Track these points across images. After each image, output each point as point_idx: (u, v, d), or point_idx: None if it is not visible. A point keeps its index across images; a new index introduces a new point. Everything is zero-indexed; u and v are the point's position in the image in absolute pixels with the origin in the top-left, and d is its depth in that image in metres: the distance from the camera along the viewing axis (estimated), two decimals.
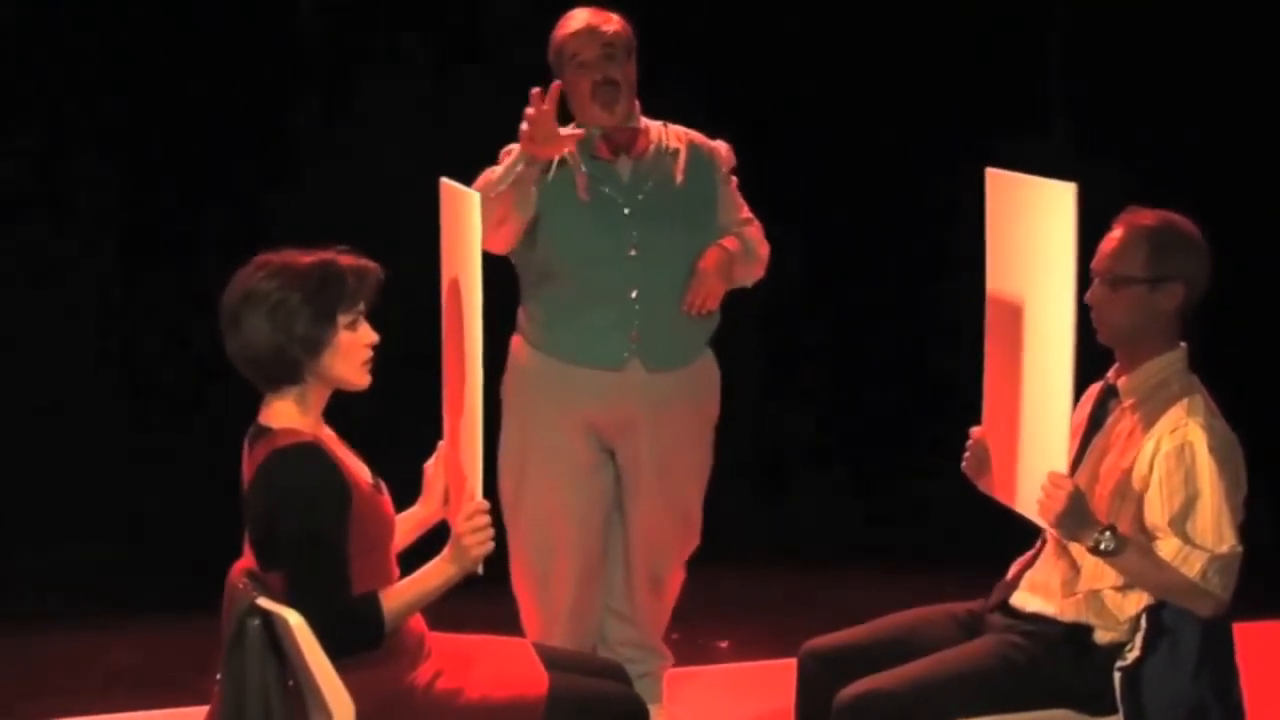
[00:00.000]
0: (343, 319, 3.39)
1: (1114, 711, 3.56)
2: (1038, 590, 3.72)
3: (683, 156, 4.48)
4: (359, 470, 3.46)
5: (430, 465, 3.70)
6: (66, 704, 5.05)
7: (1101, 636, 3.61)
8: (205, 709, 3.46)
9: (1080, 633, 3.62)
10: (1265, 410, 6.30)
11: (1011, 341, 3.61)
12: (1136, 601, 3.58)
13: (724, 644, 5.11)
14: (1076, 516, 3.44)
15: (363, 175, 6.29)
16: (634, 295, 4.38)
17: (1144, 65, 6.71)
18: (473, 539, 3.36)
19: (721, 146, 4.56)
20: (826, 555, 6.31)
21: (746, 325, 6.78)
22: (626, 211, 4.40)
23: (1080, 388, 3.78)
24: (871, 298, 6.95)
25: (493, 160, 4.42)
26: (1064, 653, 3.61)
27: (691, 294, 4.39)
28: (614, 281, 4.37)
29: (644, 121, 4.49)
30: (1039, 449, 3.52)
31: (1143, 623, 3.55)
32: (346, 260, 3.41)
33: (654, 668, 4.70)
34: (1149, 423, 3.59)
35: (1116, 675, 3.56)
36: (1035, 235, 3.50)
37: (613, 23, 4.41)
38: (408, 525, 3.65)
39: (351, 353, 3.41)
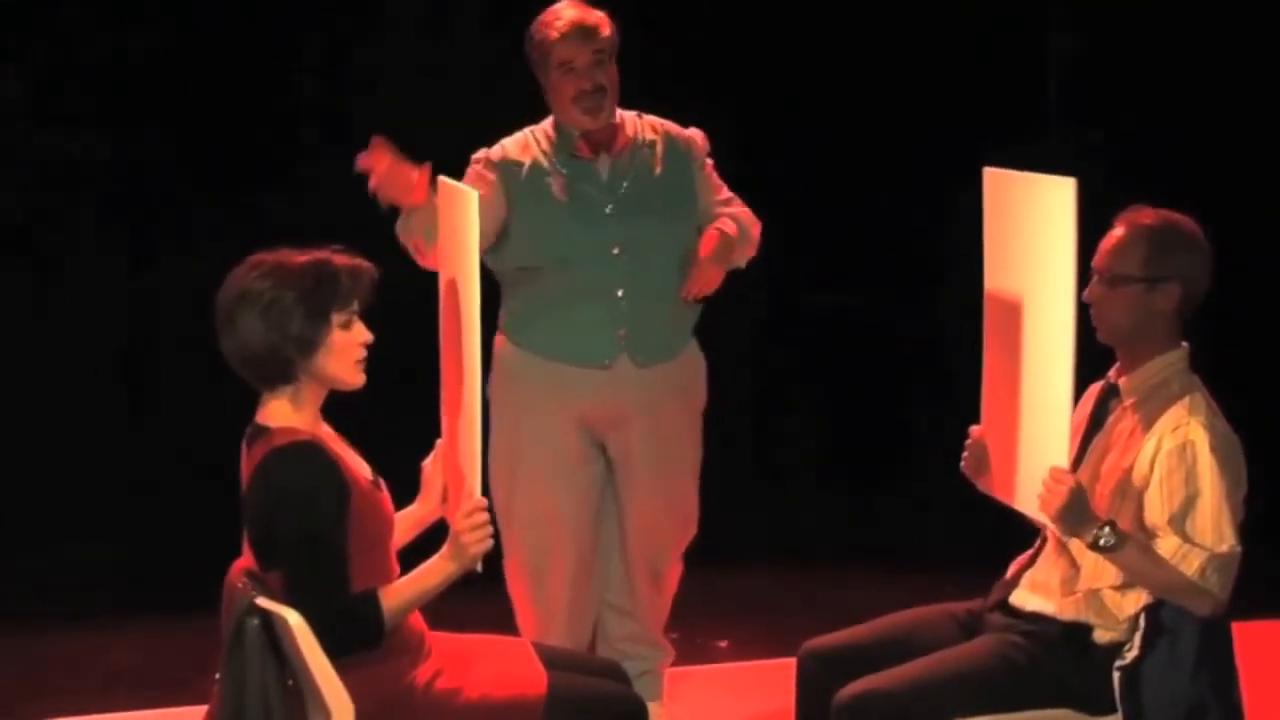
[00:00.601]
0: (336, 318, 3.39)
1: (1113, 711, 3.55)
2: (1037, 589, 3.72)
3: (659, 148, 4.47)
4: (358, 468, 3.46)
5: (428, 463, 3.70)
6: (66, 704, 5.05)
7: (1101, 636, 3.61)
8: (205, 709, 3.46)
9: (1079, 632, 3.62)
10: (1265, 410, 6.31)
11: (1011, 339, 3.60)
12: (1135, 601, 3.57)
13: (723, 644, 5.10)
14: (1077, 511, 3.44)
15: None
16: (620, 294, 4.37)
17: (1144, 65, 6.71)
18: (471, 536, 3.37)
19: (696, 134, 4.55)
20: (826, 555, 6.31)
21: (746, 325, 6.82)
22: (608, 210, 4.39)
23: (1081, 387, 3.79)
24: (871, 298, 6.95)
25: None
26: (1063, 652, 3.61)
27: (691, 282, 4.38)
28: (600, 281, 4.36)
29: (619, 115, 4.46)
30: (1039, 446, 3.51)
31: (1141, 622, 3.55)
32: (341, 259, 3.41)
33: (655, 664, 4.69)
34: (1150, 422, 3.59)
35: (1115, 675, 3.55)
36: (1035, 232, 3.49)
37: (602, 25, 4.36)
38: (406, 523, 3.65)
39: (345, 352, 3.41)
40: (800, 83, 6.72)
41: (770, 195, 5.83)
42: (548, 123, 4.47)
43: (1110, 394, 3.71)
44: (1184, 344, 3.66)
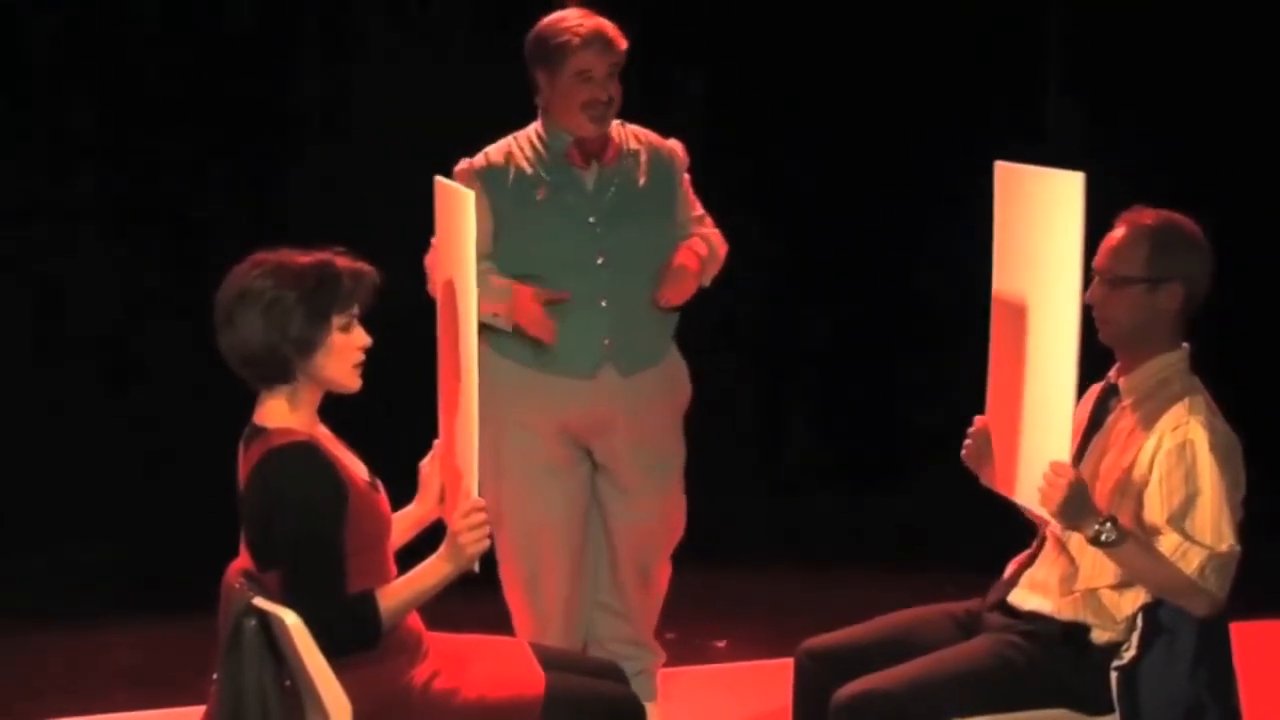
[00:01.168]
0: (336, 320, 3.39)
1: (1111, 711, 3.56)
2: (1036, 588, 3.72)
3: (643, 158, 4.47)
4: (355, 468, 3.46)
5: (426, 464, 3.70)
6: (66, 704, 5.05)
7: (1098, 636, 3.61)
8: (203, 709, 3.46)
9: (1077, 632, 3.62)
10: (1265, 411, 6.31)
11: (1016, 332, 3.60)
12: (1133, 601, 3.58)
13: (721, 644, 5.10)
14: (1077, 505, 3.43)
15: (359, 169, 6.29)
16: (604, 304, 4.38)
17: (1142, 66, 6.71)
18: (469, 537, 3.37)
19: (677, 146, 4.56)
20: (826, 555, 6.31)
21: (746, 326, 6.82)
22: (592, 220, 4.39)
23: (1081, 388, 3.79)
24: (870, 298, 6.95)
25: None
26: (1061, 652, 3.61)
27: (667, 289, 4.37)
28: (584, 291, 4.36)
29: None
30: (1041, 440, 3.51)
31: (1139, 622, 3.55)
32: (343, 262, 3.41)
33: (647, 665, 4.69)
34: (1150, 421, 3.59)
35: (1113, 675, 3.55)
36: (1043, 225, 3.49)
37: (619, 37, 4.37)
38: (404, 524, 3.65)
39: (344, 354, 3.41)
40: (799, 83, 6.72)
41: (771, 196, 5.87)
42: (534, 128, 4.46)
43: (1110, 394, 3.71)
44: (1185, 345, 3.67)
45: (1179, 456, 3.53)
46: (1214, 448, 3.52)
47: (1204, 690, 3.53)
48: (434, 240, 4.36)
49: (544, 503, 4.46)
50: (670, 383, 4.56)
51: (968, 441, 3.80)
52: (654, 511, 4.56)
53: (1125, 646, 3.57)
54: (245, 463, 3.40)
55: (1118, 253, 3.62)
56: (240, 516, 3.40)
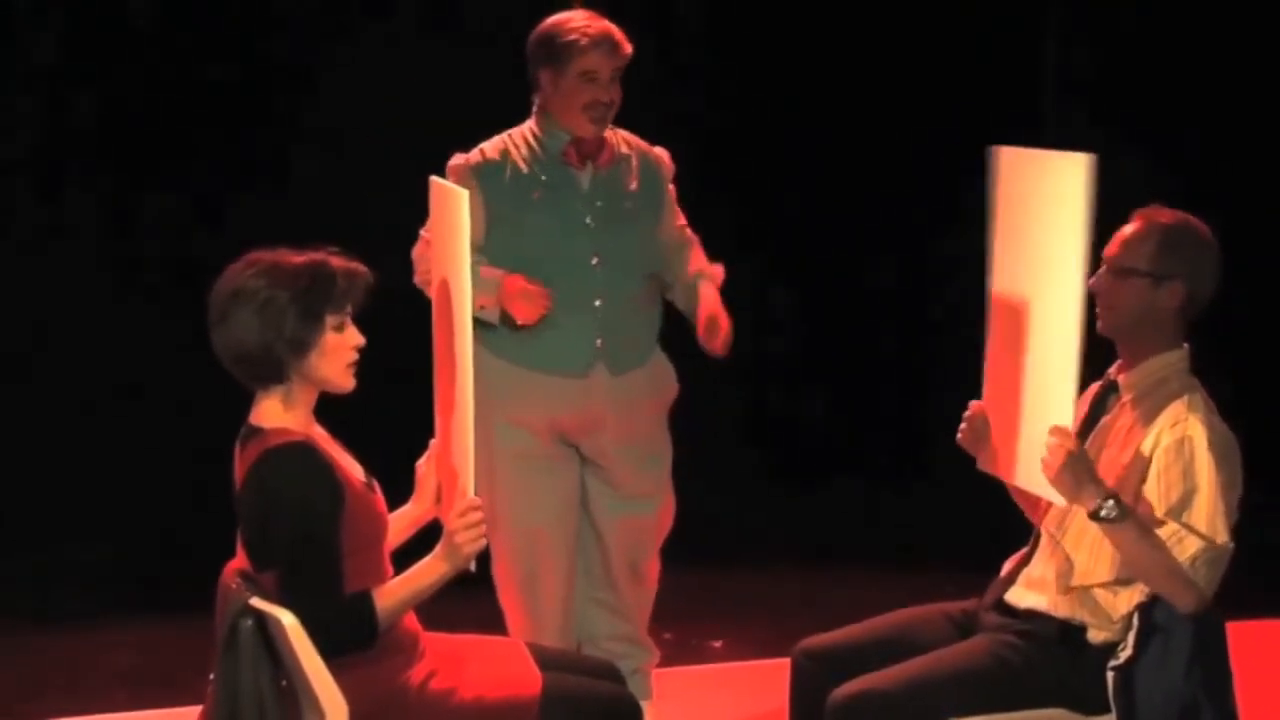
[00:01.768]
0: (330, 320, 3.39)
1: (1107, 710, 3.55)
2: (1033, 585, 3.72)
3: (634, 162, 4.51)
4: (351, 469, 3.46)
5: (422, 464, 3.71)
6: (65, 704, 5.06)
7: (1095, 636, 3.61)
8: (200, 709, 3.47)
9: (1073, 632, 3.62)
10: (1265, 411, 6.31)
11: (1017, 317, 3.59)
12: (1129, 600, 3.58)
13: (718, 644, 5.10)
14: (1076, 472, 3.42)
15: (353, 169, 6.29)
16: (598, 303, 4.40)
17: (1140, 68, 6.72)
18: (465, 536, 3.37)
19: (664, 154, 4.60)
20: (825, 555, 6.31)
21: (746, 328, 6.82)
22: (588, 220, 4.41)
23: (1082, 385, 3.79)
24: (870, 300, 6.95)
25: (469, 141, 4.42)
26: (1057, 652, 3.62)
27: (718, 342, 4.42)
28: (578, 290, 4.38)
29: None
30: (1042, 420, 3.50)
31: (1135, 621, 3.55)
32: (337, 261, 3.41)
33: (642, 664, 4.70)
34: (1148, 418, 3.60)
35: (1109, 674, 3.55)
36: (1047, 208, 3.49)
37: (625, 41, 4.39)
38: (400, 524, 3.65)
39: (337, 354, 3.41)
40: (797, 83, 6.73)
41: (772, 196, 5.87)
42: (528, 126, 4.47)
43: (1109, 391, 3.72)
44: (1185, 345, 3.67)
45: (1177, 452, 3.53)
46: (1212, 445, 3.53)
47: (1199, 690, 3.53)
48: (422, 233, 4.41)
49: (538, 502, 4.47)
50: (658, 381, 4.59)
51: (963, 426, 3.80)
52: (644, 508, 4.59)
53: (1121, 646, 3.57)
54: (242, 463, 3.40)
55: (1127, 244, 3.64)
56: (237, 517, 3.41)
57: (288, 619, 3.24)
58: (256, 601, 3.29)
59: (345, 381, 3.44)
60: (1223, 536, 3.50)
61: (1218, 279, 3.65)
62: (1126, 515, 3.45)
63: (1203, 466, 3.52)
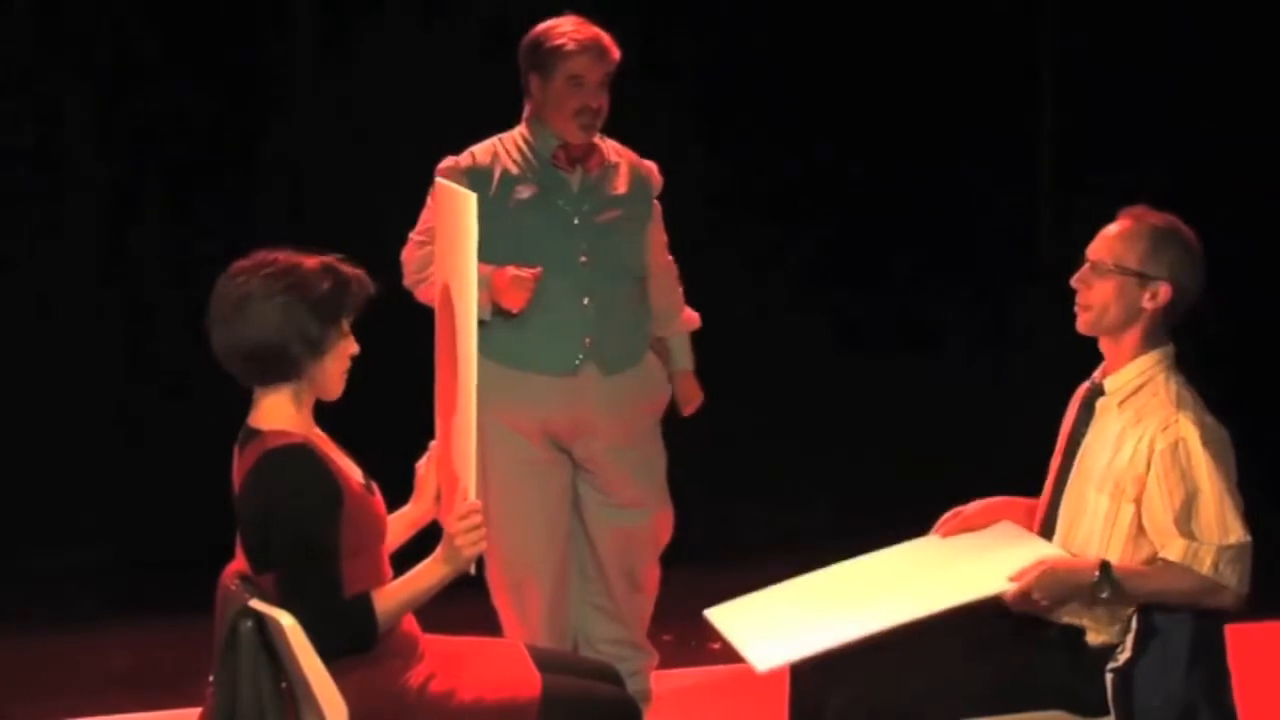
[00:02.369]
0: (344, 324, 3.42)
1: (1106, 713, 3.56)
2: None
3: (623, 169, 4.54)
4: (350, 471, 3.46)
5: (422, 465, 3.71)
6: (61, 706, 5.06)
7: (1094, 638, 3.62)
8: (199, 711, 3.46)
9: (1072, 634, 3.63)
10: (1262, 409, 6.33)
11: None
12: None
13: (717, 645, 5.09)
14: (1062, 585, 3.52)
15: (350, 170, 6.29)
16: (586, 302, 4.43)
17: (1134, 69, 6.73)
18: (465, 539, 3.37)
19: (654, 167, 4.63)
20: (824, 558, 6.29)
21: (747, 329, 6.82)
22: (576, 221, 4.44)
23: (1069, 388, 3.81)
24: (868, 302, 6.95)
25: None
26: (1056, 655, 3.62)
27: (690, 406, 4.74)
28: (566, 289, 4.40)
29: None
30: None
31: (1134, 624, 3.56)
32: (348, 269, 3.43)
33: (640, 666, 4.71)
34: (1136, 419, 3.61)
35: (1108, 676, 3.56)
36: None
37: (613, 47, 4.43)
38: (400, 525, 3.65)
39: (340, 360, 3.43)
40: (798, 82, 6.73)
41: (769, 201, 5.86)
42: (519, 131, 4.50)
43: (1095, 394, 3.72)
44: (1170, 344, 3.68)
45: (1173, 457, 3.54)
46: (1206, 443, 3.54)
47: (1198, 692, 3.54)
48: (412, 235, 4.43)
49: (527, 509, 4.48)
50: (649, 385, 4.61)
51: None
52: (637, 518, 4.59)
53: (1120, 648, 3.58)
54: (240, 465, 3.40)
55: (1113, 243, 3.65)
56: (236, 519, 3.41)
57: (287, 621, 3.24)
58: (256, 603, 3.29)
59: (338, 388, 3.46)
60: (1236, 533, 3.51)
61: (1202, 282, 3.66)
62: (1118, 583, 3.49)
63: (1200, 466, 3.53)
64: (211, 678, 3.35)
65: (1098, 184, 6.29)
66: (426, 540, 3.50)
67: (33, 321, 6.31)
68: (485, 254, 4.34)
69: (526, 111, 4.51)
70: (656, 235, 4.62)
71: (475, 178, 4.40)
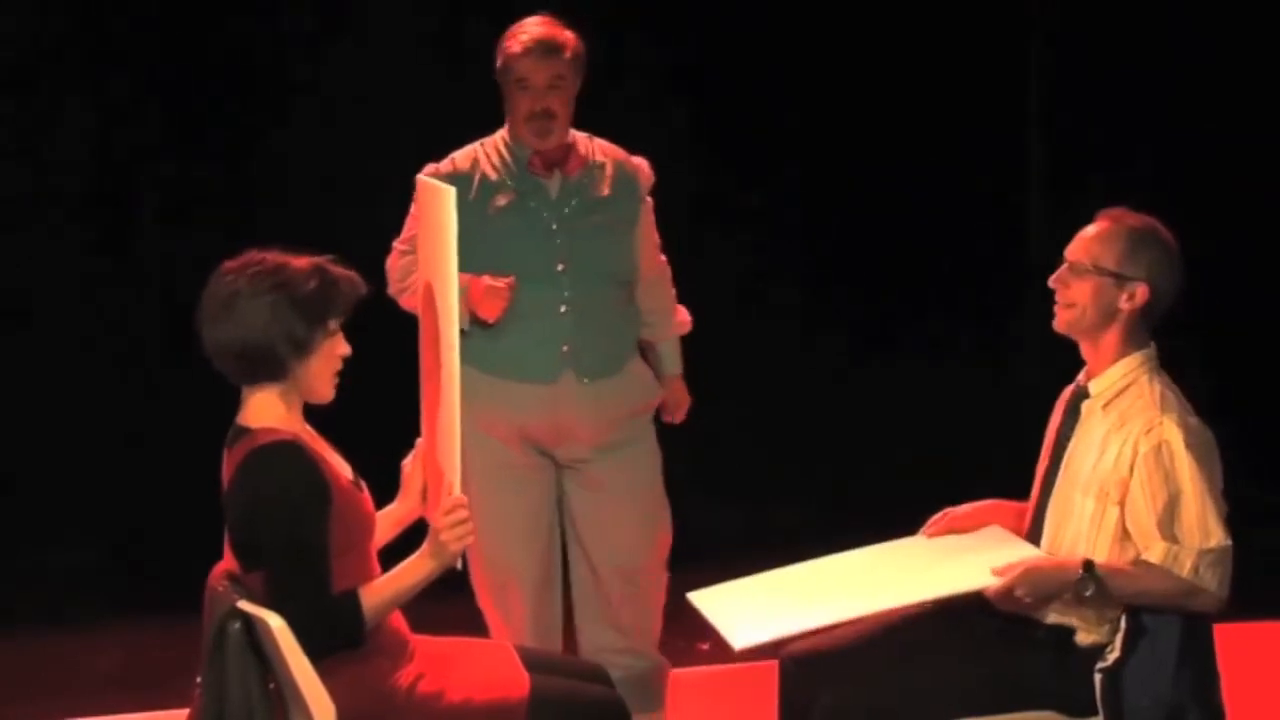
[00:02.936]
0: (331, 325, 3.41)
1: (1094, 713, 3.57)
2: None
3: (608, 170, 4.46)
4: (339, 467, 3.47)
5: (408, 462, 3.71)
6: (54, 707, 5.06)
7: (1082, 638, 3.63)
8: (188, 712, 3.47)
9: (1061, 634, 3.64)
10: (1255, 409, 6.33)
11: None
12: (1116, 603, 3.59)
13: (704, 646, 5.09)
14: (1045, 582, 3.53)
15: (339, 170, 6.29)
16: (563, 309, 4.37)
17: (1125, 75, 6.73)
18: (451, 534, 3.37)
19: (643, 163, 4.55)
20: (815, 557, 6.29)
21: (747, 329, 6.82)
22: (554, 226, 4.38)
23: (1053, 392, 3.81)
24: (874, 302, 6.95)
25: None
26: (1045, 655, 3.63)
27: (678, 413, 4.69)
28: (543, 296, 4.34)
29: (571, 135, 4.45)
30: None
31: (1123, 624, 3.57)
32: (337, 269, 3.43)
33: (647, 674, 4.63)
34: (1121, 422, 3.61)
35: (1097, 676, 3.57)
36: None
37: (563, 47, 4.33)
38: (387, 522, 3.65)
39: (329, 361, 3.43)
40: (795, 82, 6.73)
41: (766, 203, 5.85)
42: (500, 135, 4.46)
43: (1080, 397, 3.73)
44: (1152, 344, 3.69)
45: (1156, 459, 3.54)
46: (1190, 446, 3.54)
47: (1187, 692, 3.55)
48: (396, 244, 4.43)
49: (506, 508, 4.44)
50: (634, 389, 4.53)
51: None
52: (630, 519, 4.52)
53: (1109, 648, 3.58)
54: (229, 463, 3.41)
55: (1091, 243, 3.65)
56: (224, 516, 3.41)
57: (275, 621, 3.24)
58: (244, 604, 3.29)
59: (328, 391, 3.46)
60: (1217, 536, 3.52)
61: (1180, 284, 3.67)
62: (1104, 581, 3.50)
63: (1184, 468, 3.54)
64: (199, 678, 3.35)
65: (1097, 185, 6.30)
66: (413, 537, 3.50)
67: (30, 322, 6.31)
68: (465, 262, 4.33)
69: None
70: (646, 235, 4.55)
71: (455, 184, 4.38)
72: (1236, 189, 6.64)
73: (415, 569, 3.40)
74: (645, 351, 4.65)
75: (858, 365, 6.94)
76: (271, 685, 3.33)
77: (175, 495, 5.93)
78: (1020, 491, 3.87)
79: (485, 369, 4.38)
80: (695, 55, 6.66)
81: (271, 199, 6.30)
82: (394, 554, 3.50)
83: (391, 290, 4.44)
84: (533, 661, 3.63)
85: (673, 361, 4.70)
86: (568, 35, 4.38)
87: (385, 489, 3.67)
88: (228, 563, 3.43)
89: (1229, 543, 3.53)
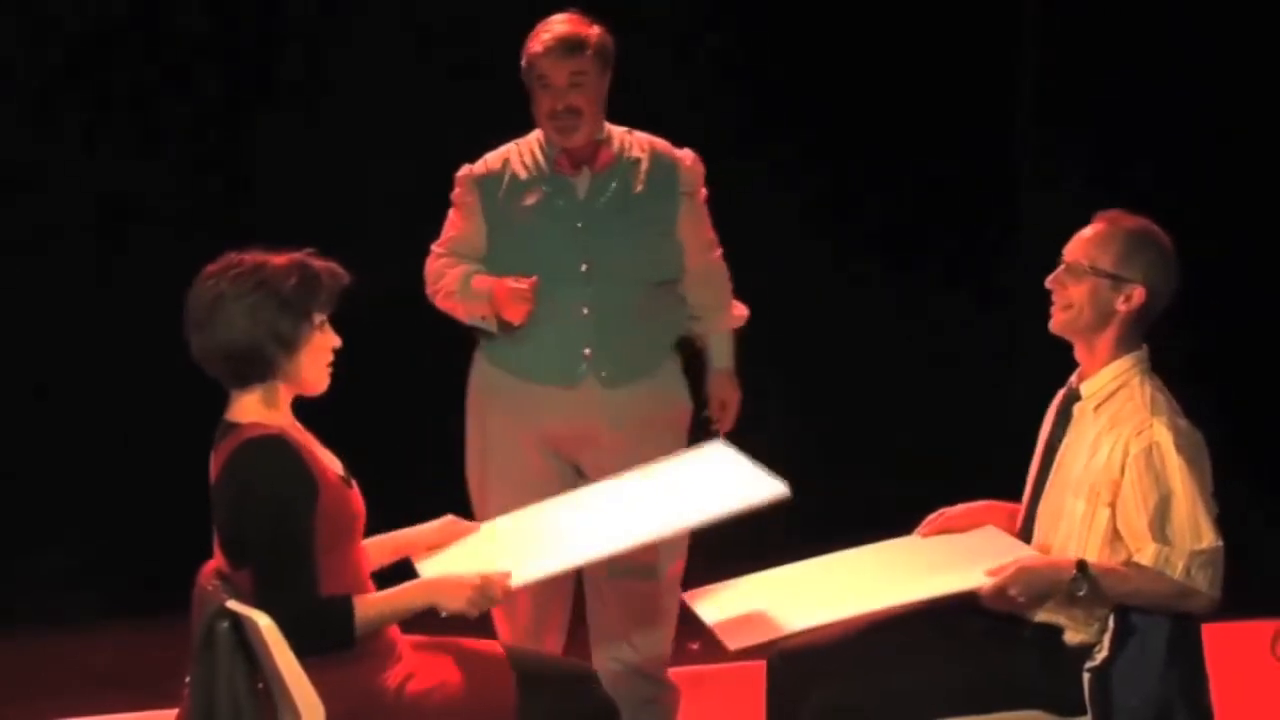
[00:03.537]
0: (316, 318, 3.42)
1: (1083, 712, 3.58)
2: None
3: (644, 165, 4.39)
4: (329, 462, 3.47)
5: (455, 525, 3.77)
6: (46, 706, 5.07)
7: (1071, 637, 3.63)
8: (176, 712, 3.47)
9: (1050, 634, 3.64)
10: (1248, 410, 6.33)
11: None
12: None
13: (695, 645, 5.09)
14: (1039, 582, 3.53)
15: (336, 168, 6.29)
16: (586, 312, 4.31)
17: (1118, 74, 6.73)
18: (468, 600, 3.40)
19: (686, 156, 4.45)
20: (807, 557, 6.29)
21: (744, 329, 6.82)
22: (580, 225, 4.32)
23: (1048, 392, 3.82)
24: (870, 304, 6.95)
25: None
26: (1034, 654, 3.63)
27: (729, 424, 4.53)
28: (566, 298, 4.28)
29: (608, 129, 4.39)
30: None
31: (1111, 623, 3.58)
32: (318, 262, 3.44)
33: (656, 697, 4.59)
34: (1111, 424, 3.62)
35: (1085, 675, 3.57)
36: None
37: (584, 44, 4.28)
38: (399, 543, 3.69)
39: (319, 354, 3.44)
40: (795, 82, 6.73)
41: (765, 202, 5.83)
42: (536, 134, 4.42)
43: (1072, 399, 3.73)
44: (1144, 346, 3.69)
45: (1147, 461, 3.55)
46: (1180, 448, 3.55)
47: (1175, 691, 3.55)
48: (434, 248, 4.41)
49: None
50: (659, 396, 4.44)
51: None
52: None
53: (1097, 648, 3.59)
54: (217, 458, 3.41)
55: (1089, 245, 3.67)
56: (212, 512, 3.41)
57: (263, 621, 3.25)
58: (233, 604, 3.30)
59: (322, 383, 3.47)
60: (1208, 538, 3.53)
61: (1175, 286, 3.68)
62: (1095, 580, 3.51)
63: (1174, 470, 3.54)
64: (188, 678, 3.35)
65: (1096, 186, 6.29)
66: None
67: (26, 322, 6.31)
68: (493, 261, 4.35)
69: None
70: (691, 231, 4.44)
71: (485, 184, 4.38)
72: (1235, 189, 6.64)
73: (417, 594, 3.42)
74: (697, 347, 4.55)
75: (857, 365, 6.93)
76: (260, 685, 3.34)
77: (172, 495, 5.91)
78: (1018, 493, 3.87)
79: (511, 371, 4.36)
80: (695, 55, 6.67)
81: (263, 199, 6.30)
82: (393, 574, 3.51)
83: (428, 291, 4.41)
84: (522, 662, 3.63)
85: (719, 355, 4.59)
86: (592, 31, 4.31)
87: (377, 488, 3.66)
88: (217, 562, 3.43)
89: (1220, 543, 3.54)
